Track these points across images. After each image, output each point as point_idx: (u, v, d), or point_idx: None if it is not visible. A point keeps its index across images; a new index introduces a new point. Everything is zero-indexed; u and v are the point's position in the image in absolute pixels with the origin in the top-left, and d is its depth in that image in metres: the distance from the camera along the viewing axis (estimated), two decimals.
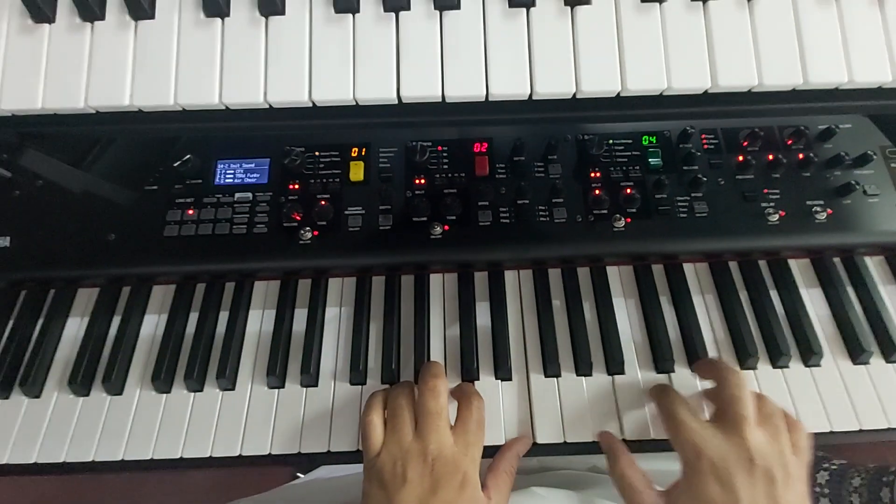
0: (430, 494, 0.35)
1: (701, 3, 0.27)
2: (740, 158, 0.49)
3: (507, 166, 0.50)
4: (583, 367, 0.44)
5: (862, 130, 0.50)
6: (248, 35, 0.28)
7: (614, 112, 0.30)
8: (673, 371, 0.44)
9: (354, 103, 0.27)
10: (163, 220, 0.49)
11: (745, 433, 0.34)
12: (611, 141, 0.50)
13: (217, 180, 0.51)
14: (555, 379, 0.44)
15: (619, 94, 0.27)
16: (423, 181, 0.49)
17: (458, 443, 0.37)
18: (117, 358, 0.46)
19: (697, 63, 0.27)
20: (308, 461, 0.43)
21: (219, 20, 0.28)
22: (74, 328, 0.49)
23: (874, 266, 0.48)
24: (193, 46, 0.28)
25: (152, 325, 0.49)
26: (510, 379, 0.44)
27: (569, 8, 0.27)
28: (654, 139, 0.51)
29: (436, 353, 0.46)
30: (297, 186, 0.50)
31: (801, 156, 0.49)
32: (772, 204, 0.47)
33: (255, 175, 0.51)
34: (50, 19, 0.28)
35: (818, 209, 0.47)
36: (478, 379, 0.44)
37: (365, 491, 0.37)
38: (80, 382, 0.45)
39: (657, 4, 0.27)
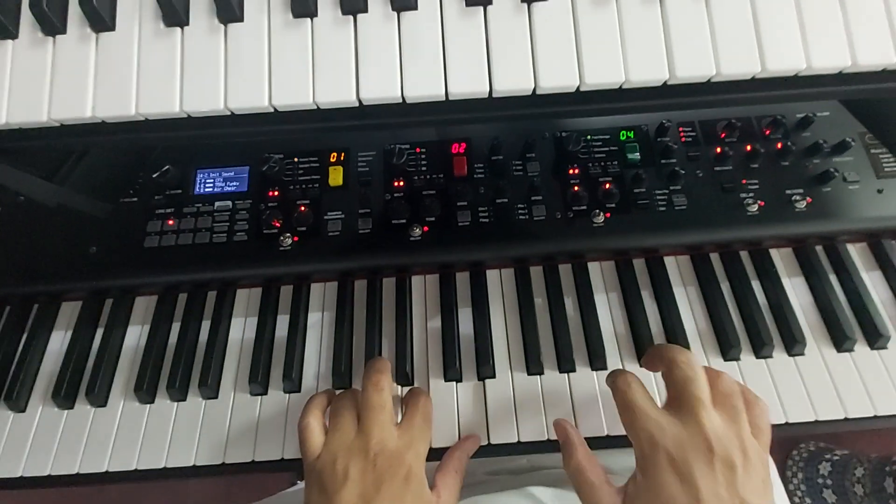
0: (374, 491, 0.33)
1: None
2: (718, 150, 0.49)
3: (486, 166, 0.50)
4: (565, 365, 0.44)
5: (840, 117, 0.50)
6: (207, 43, 0.28)
7: (580, 107, 0.30)
8: None
9: (315, 107, 0.28)
10: (143, 231, 0.49)
11: (701, 418, 0.31)
12: (588, 137, 0.50)
13: (197, 189, 0.51)
14: (538, 377, 0.44)
15: (578, 88, 0.27)
16: (401, 183, 0.49)
17: (403, 437, 0.36)
18: (100, 370, 0.46)
19: (655, 56, 0.27)
20: (299, 466, 0.43)
21: (178, 29, 0.28)
22: (58, 342, 0.49)
23: (856, 253, 0.48)
24: (154, 56, 0.28)
25: (135, 336, 0.49)
26: (493, 376, 0.44)
27: (525, 4, 0.27)
28: (631, 134, 0.51)
29: (419, 354, 0.46)
30: (276, 193, 0.50)
31: (779, 145, 0.49)
32: (751, 194, 0.47)
33: (234, 183, 0.51)
34: (13, 35, 0.28)
35: (798, 198, 0.47)
36: (460, 380, 0.44)
37: (305, 498, 0.36)
38: (63, 395, 0.45)
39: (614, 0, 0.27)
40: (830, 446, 1.17)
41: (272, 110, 0.28)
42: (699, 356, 0.44)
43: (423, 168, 0.50)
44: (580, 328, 0.46)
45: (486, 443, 0.42)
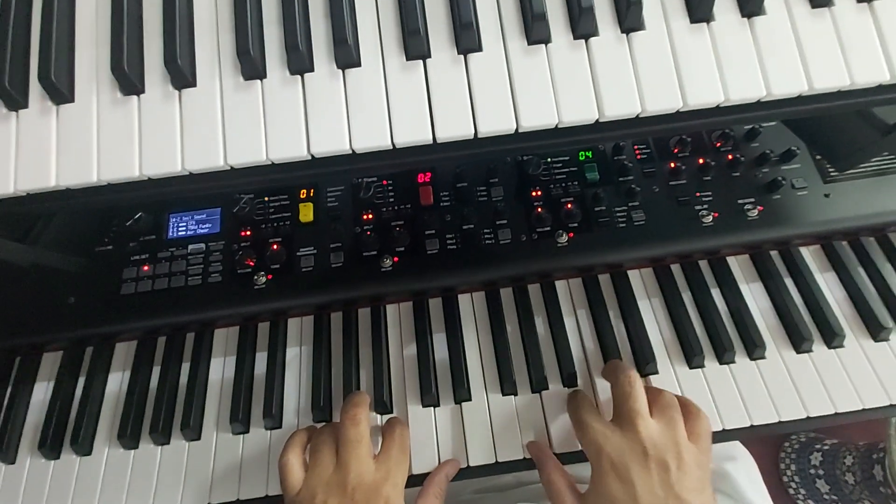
0: None
1: (584, 41, 0.29)
2: (672, 165, 0.51)
3: (451, 193, 0.52)
4: (538, 385, 0.45)
5: (785, 128, 0.53)
6: (163, 108, 0.29)
7: (524, 144, 0.31)
8: None
9: (270, 163, 0.29)
10: (119, 278, 0.50)
11: (638, 427, 0.35)
12: (549, 159, 0.52)
13: (170, 234, 0.52)
14: (512, 397, 0.45)
15: (516, 130, 0.29)
16: (370, 216, 0.51)
17: (380, 469, 0.38)
18: (84, 419, 0.46)
19: (584, 97, 0.28)
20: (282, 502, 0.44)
21: (135, 97, 0.29)
22: (42, 392, 0.50)
23: (810, 256, 0.50)
24: (112, 123, 0.29)
25: (117, 382, 0.50)
26: (469, 399, 0.45)
27: (462, 56, 0.29)
28: (589, 154, 0.53)
29: (396, 381, 0.47)
30: (248, 233, 0.51)
31: (729, 157, 0.51)
32: (705, 206, 0.49)
33: (207, 225, 0.52)
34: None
35: (750, 206, 0.49)
36: (438, 405, 0.45)
37: None
38: (49, 447, 0.45)
39: (544, 46, 0.29)
40: (820, 436, 1.19)
41: (228, 168, 0.29)
42: (665, 366, 0.46)
43: (391, 199, 0.52)
44: (552, 346, 0.47)
45: (465, 465, 0.43)
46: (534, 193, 0.51)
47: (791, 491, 1.16)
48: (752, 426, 0.43)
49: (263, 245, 0.50)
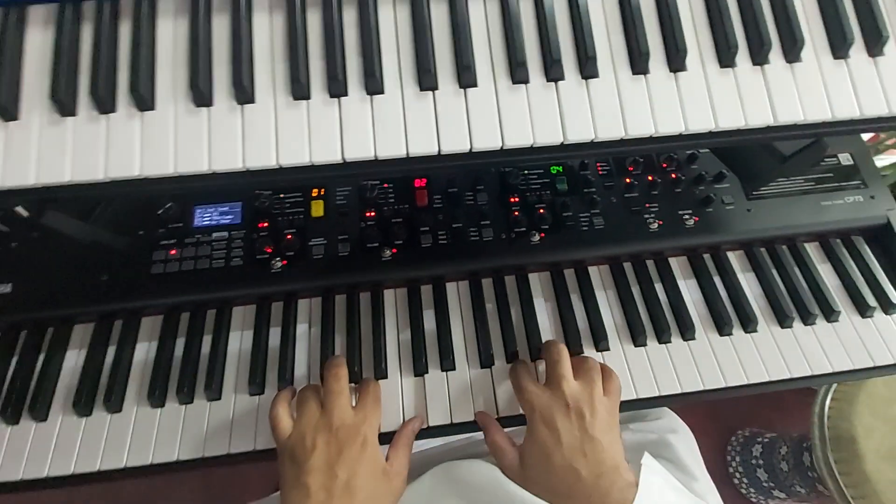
0: (336, 456, 0.42)
1: (554, 83, 0.39)
2: (627, 180, 0.61)
3: (443, 197, 0.60)
4: (511, 358, 0.54)
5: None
6: (228, 118, 0.37)
7: (507, 158, 0.40)
8: (582, 352, 0.55)
9: (311, 164, 0.37)
10: (150, 260, 0.57)
11: (562, 387, 0.45)
12: (526, 171, 0.62)
13: (196, 223, 0.59)
14: (489, 367, 0.54)
15: (501, 147, 0.38)
16: (373, 213, 0.59)
17: (358, 414, 0.45)
18: (115, 380, 0.53)
19: (553, 126, 0.38)
20: None
21: (206, 109, 0.37)
22: (73, 360, 0.56)
23: (734, 258, 0.61)
24: (187, 129, 0.37)
25: (143, 351, 0.56)
26: (454, 369, 0.54)
27: (463, 90, 0.38)
28: (560, 168, 0.63)
29: (391, 355, 0.55)
30: (266, 224, 0.59)
31: (673, 175, 0.62)
32: (652, 215, 0.60)
33: (229, 216, 0.60)
34: (73, 113, 0.37)
35: (688, 217, 0.59)
36: (427, 373, 0.54)
37: (280, 472, 0.44)
38: (83, 404, 0.51)
39: (524, 86, 0.39)
40: (762, 430, 1.32)
41: (278, 167, 0.37)
42: (616, 344, 0.55)
43: (392, 200, 0.60)
44: (523, 327, 0.56)
45: (448, 422, 0.51)
46: (512, 199, 0.60)
47: (735, 481, 1.28)
48: (682, 393, 0.53)
49: (279, 235, 0.58)
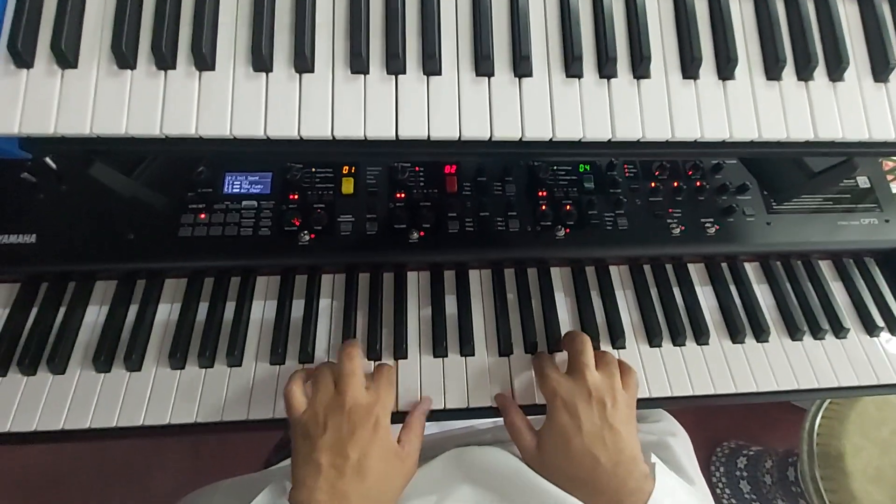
0: (349, 436, 0.42)
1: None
2: (653, 184, 0.62)
3: (472, 185, 0.61)
4: (530, 348, 0.55)
5: (742, 166, 0.65)
6: (286, 86, 0.38)
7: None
8: (599, 348, 0.56)
9: (364, 138, 0.38)
10: (178, 222, 0.57)
11: (585, 375, 0.46)
12: (555, 167, 0.63)
13: (226, 189, 0.59)
14: (508, 356, 0.55)
15: (550, 139, 0.39)
16: (403, 195, 0.60)
17: (371, 395, 0.45)
18: (136, 339, 0.53)
19: (602, 121, 0.39)
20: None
21: (264, 74, 0.38)
22: (93, 315, 0.56)
23: (750, 270, 0.63)
24: (245, 92, 0.37)
25: (165, 313, 0.56)
26: (473, 355, 0.55)
27: (517, 79, 0.39)
28: (588, 167, 0.64)
29: (412, 336, 0.56)
30: (296, 197, 0.59)
31: (698, 183, 0.63)
32: (675, 220, 0.61)
33: (259, 186, 0.60)
34: (132, 67, 0.37)
35: (709, 225, 0.61)
36: (446, 356, 0.55)
37: (293, 447, 0.44)
38: (103, 360, 0.52)
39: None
40: (747, 443, 1.35)
41: (331, 138, 0.38)
42: (632, 343, 0.57)
43: (421, 184, 0.61)
44: (542, 319, 0.57)
45: (465, 406, 0.52)
46: (540, 193, 0.61)
47: (718, 491, 1.31)
48: (693, 396, 0.54)
49: (309, 209, 0.58)
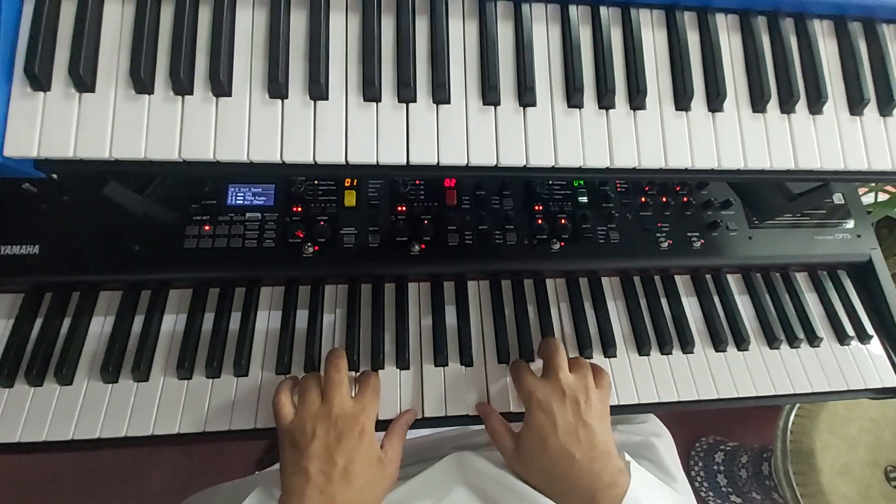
0: (335, 444, 0.44)
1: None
2: (643, 199, 0.65)
3: (471, 198, 0.63)
4: (525, 356, 0.58)
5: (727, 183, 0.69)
6: (301, 113, 0.39)
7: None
8: (591, 357, 0.59)
9: (377, 164, 0.40)
10: (182, 234, 0.58)
11: (559, 376, 0.49)
12: (550, 182, 0.65)
13: (229, 201, 0.60)
14: (506, 364, 0.58)
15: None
16: (404, 208, 0.62)
17: (357, 404, 0.47)
18: (143, 350, 0.54)
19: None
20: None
21: (280, 101, 0.39)
22: (98, 325, 0.56)
23: (733, 281, 0.66)
24: (262, 118, 0.39)
25: (170, 323, 0.57)
26: (472, 365, 0.57)
27: (522, 108, 0.41)
28: (582, 182, 0.66)
29: (413, 345, 0.58)
30: (299, 209, 0.60)
31: (685, 199, 0.66)
32: (664, 234, 0.64)
33: (262, 198, 0.61)
34: (150, 91, 0.38)
35: (695, 239, 0.64)
36: (447, 365, 0.57)
37: (281, 455, 0.46)
38: (111, 371, 0.53)
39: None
40: (724, 439, 1.40)
41: (344, 164, 0.40)
42: (622, 352, 0.60)
43: (422, 197, 0.63)
44: (538, 329, 0.60)
45: (465, 413, 0.55)
46: (536, 207, 0.64)
47: (696, 484, 1.37)
48: (678, 401, 0.58)
49: (312, 221, 0.60)
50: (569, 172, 0.43)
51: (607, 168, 0.42)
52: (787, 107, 0.44)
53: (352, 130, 0.39)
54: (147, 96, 0.38)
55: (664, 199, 0.65)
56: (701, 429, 1.44)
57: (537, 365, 0.56)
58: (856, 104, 0.45)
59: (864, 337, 0.63)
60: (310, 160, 0.39)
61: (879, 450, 0.92)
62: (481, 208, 0.63)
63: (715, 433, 1.43)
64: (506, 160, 0.40)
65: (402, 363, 0.56)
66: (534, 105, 0.41)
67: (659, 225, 0.64)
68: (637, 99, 0.42)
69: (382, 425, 0.52)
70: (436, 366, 0.57)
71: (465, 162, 0.40)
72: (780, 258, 0.65)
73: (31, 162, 0.39)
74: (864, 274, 0.67)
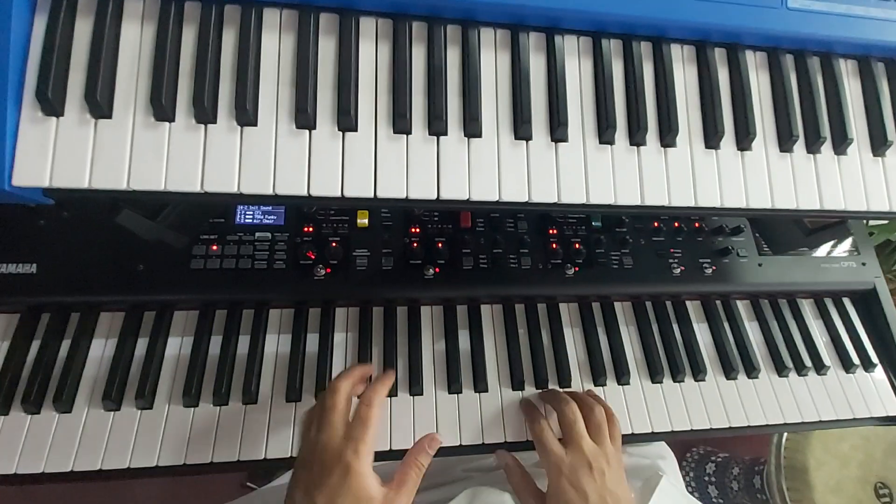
0: (319, 478, 0.40)
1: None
2: (656, 224, 0.65)
3: (486, 221, 0.62)
4: (541, 384, 0.57)
5: None
6: (329, 145, 0.38)
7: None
8: (605, 385, 0.59)
9: (406, 199, 0.38)
10: (189, 254, 0.55)
11: (582, 447, 0.48)
12: None
13: (238, 220, 0.58)
14: (520, 391, 0.57)
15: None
16: (418, 230, 0.61)
17: (346, 437, 0.42)
18: (147, 376, 0.52)
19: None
20: None
21: (307, 132, 0.38)
22: (99, 349, 0.54)
23: (742, 308, 0.67)
24: (289, 149, 0.37)
25: (175, 346, 0.55)
26: (487, 391, 0.56)
27: (554, 144, 0.41)
28: None
29: (427, 371, 0.57)
30: (311, 229, 0.59)
31: (696, 225, 0.66)
32: (676, 260, 0.64)
33: (272, 217, 0.59)
34: (171, 119, 0.36)
35: (707, 265, 0.64)
36: (461, 392, 0.56)
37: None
38: (113, 398, 0.50)
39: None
40: (715, 450, 1.43)
41: (373, 198, 0.38)
42: (635, 379, 0.60)
43: (436, 219, 0.62)
44: (552, 355, 0.60)
45: (480, 442, 0.54)
46: (551, 231, 0.63)
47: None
48: (691, 430, 0.58)
49: (324, 242, 0.58)
50: (598, 209, 0.42)
51: (638, 206, 0.42)
52: (813, 147, 0.44)
53: (381, 163, 0.38)
54: (168, 124, 0.36)
55: (676, 225, 0.66)
56: (692, 439, 1.46)
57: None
58: (879, 144, 0.45)
59: (868, 365, 0.64)
60: (337, 194, 0.37)
61: (870, 467, 0.94)
62: (496, 231, 0.62)
63: (705, 443, 1.45)
64: (538, 196, 0.40)
65: (416, 389, 0.55)
66: (566, 141, 0.41)
67: (671, 251, 0.64)
68: (668, 137, 0.42)
69: (398, 454, 0.50)
70: (450, 393, 0.56)
71: (497, 198, 0.39)
72: (788, 285, 0.66)
73: (39, 189, 0.37)
74: (868, 302, 0.68)
